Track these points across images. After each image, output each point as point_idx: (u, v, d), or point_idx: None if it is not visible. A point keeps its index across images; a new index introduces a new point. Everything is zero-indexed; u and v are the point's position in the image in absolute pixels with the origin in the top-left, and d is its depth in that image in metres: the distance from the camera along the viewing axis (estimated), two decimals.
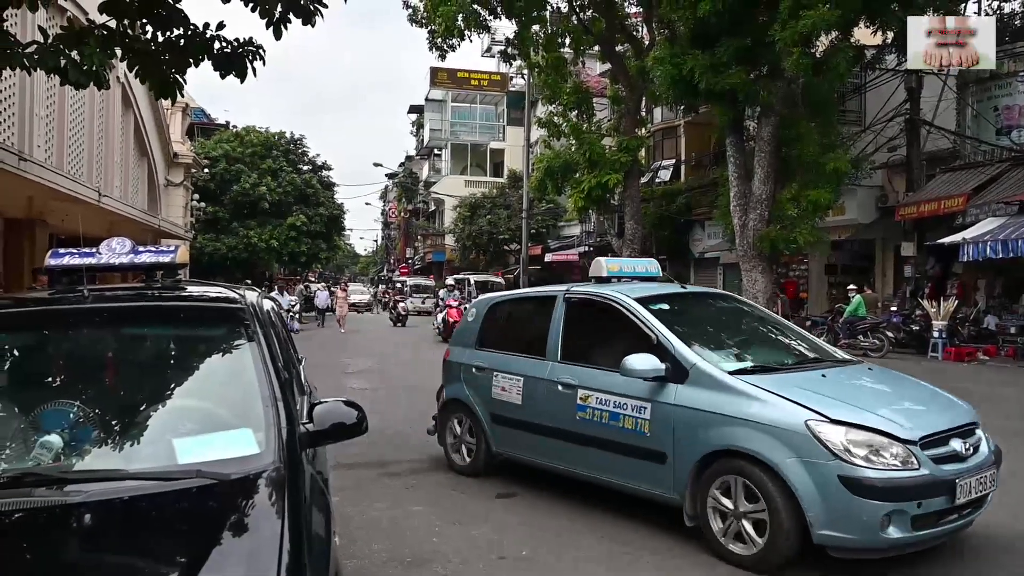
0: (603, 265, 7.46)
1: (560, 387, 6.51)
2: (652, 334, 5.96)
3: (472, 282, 37.42)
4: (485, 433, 7.37)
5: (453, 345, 8.27)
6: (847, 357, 6.74)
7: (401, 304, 35.60)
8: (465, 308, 25.19)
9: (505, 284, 38.59)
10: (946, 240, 18.87)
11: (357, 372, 16.78)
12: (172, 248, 4.12)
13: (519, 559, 5.42)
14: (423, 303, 42.56)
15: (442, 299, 28.06)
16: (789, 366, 6.10)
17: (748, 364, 5.91)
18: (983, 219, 18.72)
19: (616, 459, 6.01)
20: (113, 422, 3.14)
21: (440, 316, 26.07)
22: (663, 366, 5.65)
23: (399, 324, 33.97)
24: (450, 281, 31.90)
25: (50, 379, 3.46)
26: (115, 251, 3.87)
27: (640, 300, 6.35)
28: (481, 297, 8.61)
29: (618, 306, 6.40)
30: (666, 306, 6.48)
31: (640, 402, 5.79)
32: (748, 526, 5.09)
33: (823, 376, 5.73)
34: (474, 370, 7.60)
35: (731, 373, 5.54)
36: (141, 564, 2.42)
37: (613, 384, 6.02)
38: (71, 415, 3.01)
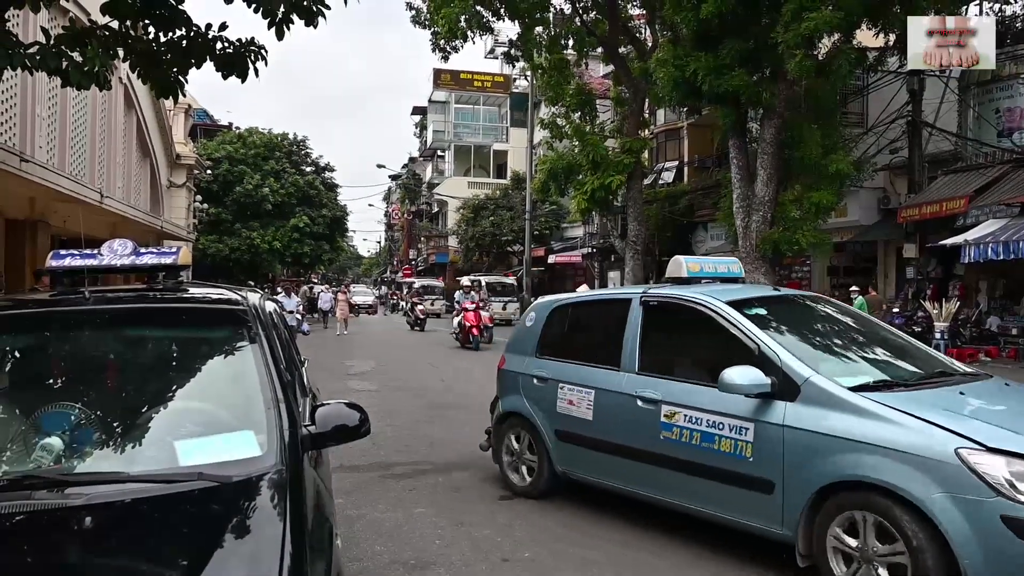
0: (683, 264, 6.64)
1: (640, 402, 5.78)
2: (753, 343, 5.25)
3: (483, 283, 37.15)
4: (548, 451, 6.65)
5: (509, 352, 7.49)
6: (972, 370, 5.91)
7: (419, 307, 33.34)
8: (478, 308, 24.01)
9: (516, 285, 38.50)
10: (948, 242, 18.85)
11: (364, 374, 16.77)
12: (174, 249, 4.11)
13: (522, 561, 5.41)
14: (431, 305, 42.23)
15: (458, 301, 25.46)
16: (915, 381, 5.27)
17: (868, 379, 5.09)
18: (984, 221, 18.70)
19: (710, 486, 5.28)
20: (114, 424, 3.13)
21: (456, 320, 24.23)
22: (768, 380, 4.94)
23: (417, 328, 31.91)
24: (466, 282, 29.16)
25: (51, 381, 3.45)
26: (116, 252, 3.86)
27: (733, 304, 5.64)
28: (541, 300, 7.80)
29: (708, 311, 5.66)
30: (762, 311, 5.76)
31: (741, 422, 5.09)
32: (881, 572, 4.39)
33: (961, 394, 4.95)
34: (535, 381, 6.86)
35: (851, 389, 4.81)
36: (142, 567, 2.41)
37: (705, 400, 5.33)
38: (72, 417, 3.00)
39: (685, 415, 5.45)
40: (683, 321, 6.11)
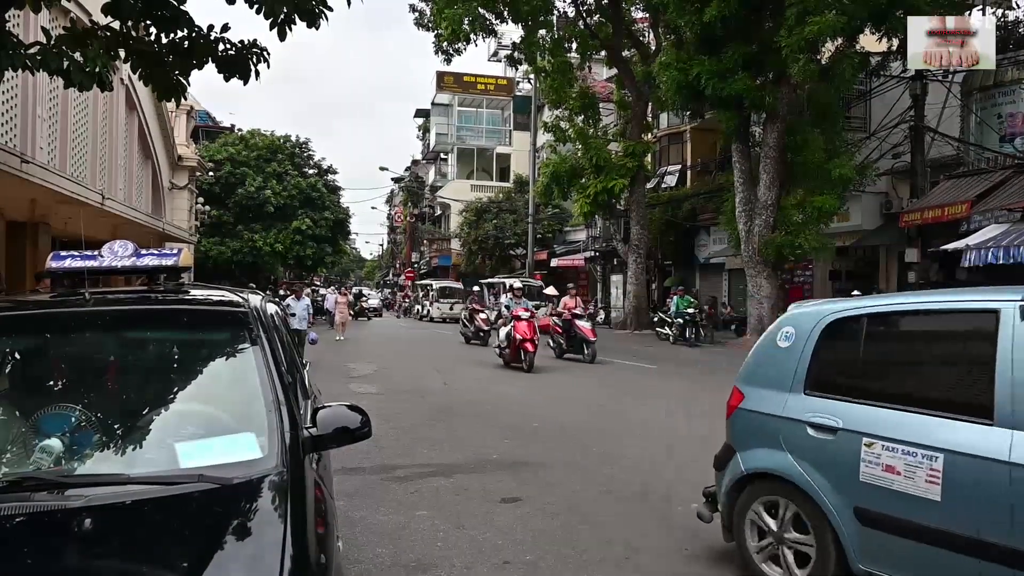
0: None
1: None
2: None
3: (509, 285, 35.69)
4: (841, 538, 4.41)
5: (748, 385, 5.22)
6: None
7: (481, 316, 25.88)
8: (532, 316, 18.82)
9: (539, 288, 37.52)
10: (949, 246, 18.86)
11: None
12: (175, 251, 4.10)
13: (523, 564, 5.38)
14: (451, 309, 40.74)
15: (506, 307, 19.87)
16: None
17: None
18: (986, 226, 18.72)
19: None
20: (115, 426, 3.12)
21: (504, 331, 18.97)
22: None
23: (476, 342, 25.25)
24: (517, 284, 22.00)
25: (51, 383, 3.43)
26: (117, 254, 3.85)
27: None
28: (799, 308, 5.35)
29: None
30: None
31: None
32: None
33: None
34: (809, 430, 4.62)
35: None
36: (143, 569, 2.40)
37: None
38: (72, 419, 2.99)
39: None
40: None
